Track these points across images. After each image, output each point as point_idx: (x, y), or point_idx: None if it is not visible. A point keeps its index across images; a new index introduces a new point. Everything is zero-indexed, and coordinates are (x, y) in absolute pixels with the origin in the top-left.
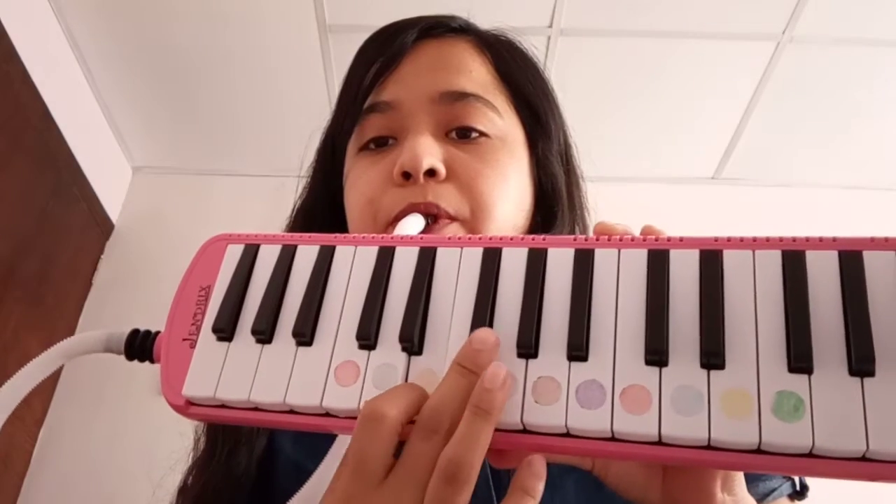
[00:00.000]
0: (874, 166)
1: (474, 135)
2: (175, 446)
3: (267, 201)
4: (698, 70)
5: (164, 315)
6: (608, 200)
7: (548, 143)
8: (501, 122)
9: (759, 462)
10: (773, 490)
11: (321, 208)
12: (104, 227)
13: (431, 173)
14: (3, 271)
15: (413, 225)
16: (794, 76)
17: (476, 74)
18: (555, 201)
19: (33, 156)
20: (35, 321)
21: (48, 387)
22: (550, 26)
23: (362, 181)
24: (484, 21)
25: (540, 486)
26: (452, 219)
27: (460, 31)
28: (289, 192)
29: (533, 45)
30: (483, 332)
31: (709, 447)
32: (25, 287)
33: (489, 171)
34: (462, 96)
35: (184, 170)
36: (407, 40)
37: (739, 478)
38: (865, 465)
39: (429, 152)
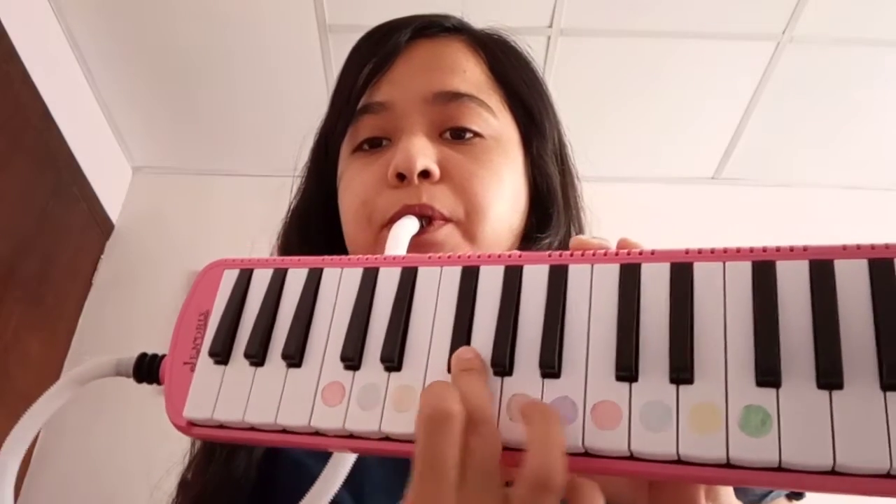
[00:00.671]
0: (874, 166)
1: (468, 135)
2: (174, 448)
3: (267, 201)
4: (698, 70)
5: (164, 316)
6: (608, 200)
7: (542, 143)
8: (496, 122)
9: (729, 476)
10: (770, 491)
11: (315, 210)
12: (104, 227)
13: (426, 174)
14: (3, 271)
15: (408, 227)
16: (794, 76)
17: (470, 74)
18: (550, 202)
19: (33, 156)
20: (35, 321)
21: (48, 387)
22: (550, 26)
23: (356, 183)
24: (483, 22)
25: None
26: (447, 220)
27: (454, 31)
28: (289, 192)
29: (528, 46)
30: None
31: (679, 461)
32: (25, 287)
33: (483, 172)
34: (456, 96)
35: (184, 170)
36: (400, 40)
37: (726, 487)
38: (834, 479)
39: (423, 153)
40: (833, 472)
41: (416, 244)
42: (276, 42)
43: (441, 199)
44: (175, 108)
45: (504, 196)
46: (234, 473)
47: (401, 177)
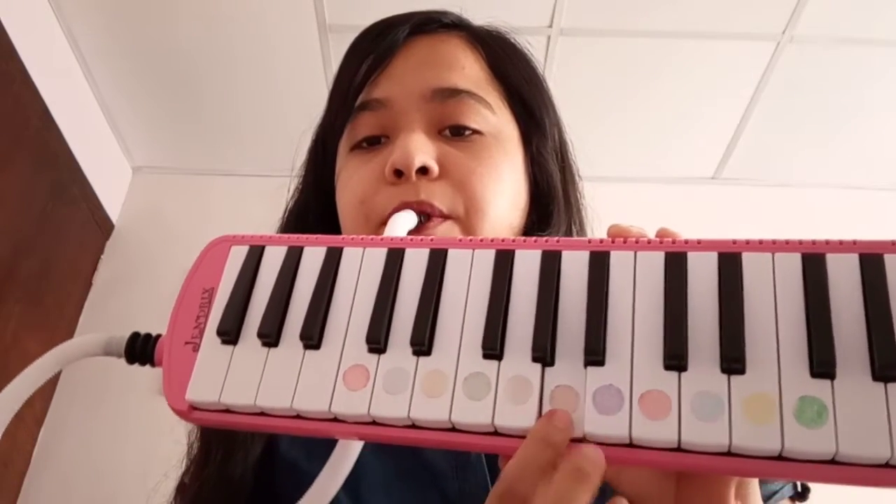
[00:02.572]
0: (874, 166)
1: (468, 132)
2: (174, 449)
3: (267, 201)
4: (698, 70)
5: (165, 315)
6: (608, 200)
7: (542, 140)
8: (495, 119)
9: (780, 469)
10: (775, 493)
11: (313, 208)
12: (104, 227)
13: (424, 171)
14: (3, 271)
15: (405, 220)
16: (794, 76)
17: (469, 70)
18: (550, 199)
19: (33, 156)
20: (35, 321)
21: (49, 386)
22: (550, 26)
23: (354, 181)
24: (483, 21)
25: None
26: (446, 217)
27: (452, 27)
28: (288, 192)
29: (528, 43)
30: (562, 413)
31: (729, 454)
32: (25, 287)
33: (483, 170)
34: (454, 93)
35: (184, 170)
36: (398, 36)
37: (754, 485)
38: (889, 472)
39: (421, 150)
40: (888, 465)
41: None
42: (276, 42)
43: (440, 196)
44: (175, 108)
45: (504, 193)
46: (231, 476)
47: (398, 174)
